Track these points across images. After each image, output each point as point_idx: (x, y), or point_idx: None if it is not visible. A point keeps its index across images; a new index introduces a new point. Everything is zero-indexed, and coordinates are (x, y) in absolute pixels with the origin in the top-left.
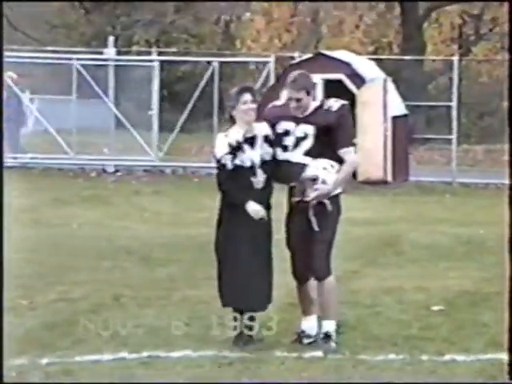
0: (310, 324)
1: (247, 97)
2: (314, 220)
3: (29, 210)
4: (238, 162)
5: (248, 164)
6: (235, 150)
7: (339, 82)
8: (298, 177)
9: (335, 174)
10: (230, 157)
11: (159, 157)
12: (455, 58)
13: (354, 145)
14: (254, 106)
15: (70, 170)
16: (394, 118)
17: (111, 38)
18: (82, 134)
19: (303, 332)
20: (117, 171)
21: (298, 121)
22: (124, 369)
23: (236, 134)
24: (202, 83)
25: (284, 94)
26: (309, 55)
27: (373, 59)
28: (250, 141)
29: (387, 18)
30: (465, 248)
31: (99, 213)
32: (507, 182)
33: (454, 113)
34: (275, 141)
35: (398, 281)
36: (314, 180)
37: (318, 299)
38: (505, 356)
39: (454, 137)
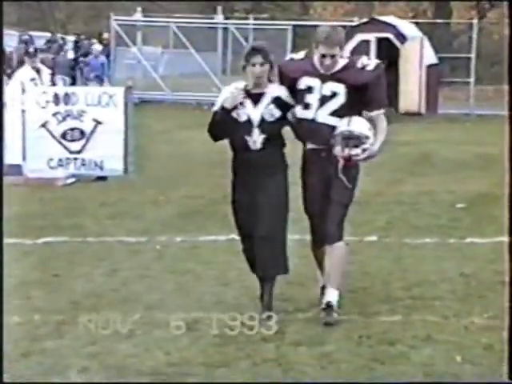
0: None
1: (256, 59)
2: (344, 178)
3: (162, 132)
4: (234, 114)
5: (243, 119)
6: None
7: (387, 39)
8: (326, 137)
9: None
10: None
11: None
12: (474, 21)
13: (386, 106)
14: (265, 68)
15: (189, 104)
16: (428, 67)
17: (219, 7)
18: (198, 78)
19: (329, 303)
20: None
21: (324, 78)
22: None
23: (235, 87)
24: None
25: (317, 51)
26: (365, 20)
27: (412, 22)
28: (256, 97)
29: None
30: (481, 162)
31: None
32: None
33: (473, 62)
34: (296, 98)
35: (431, 186)
36: (361, 139)
37: (326, 263)
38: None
39: (472, 80)
